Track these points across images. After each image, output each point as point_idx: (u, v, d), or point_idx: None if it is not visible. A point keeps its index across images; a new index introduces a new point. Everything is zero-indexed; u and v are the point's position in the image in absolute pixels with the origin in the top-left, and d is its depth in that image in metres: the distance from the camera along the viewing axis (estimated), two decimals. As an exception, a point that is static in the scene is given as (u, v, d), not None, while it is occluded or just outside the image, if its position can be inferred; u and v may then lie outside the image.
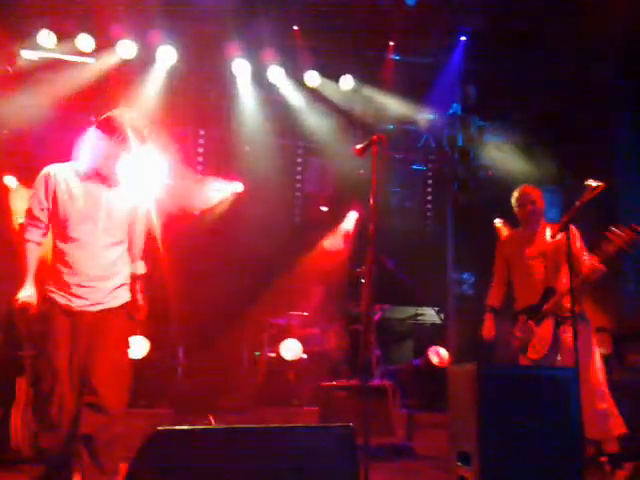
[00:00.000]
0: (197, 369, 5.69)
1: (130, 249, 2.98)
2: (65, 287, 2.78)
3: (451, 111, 6.68)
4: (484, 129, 6.60)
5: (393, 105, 6.43)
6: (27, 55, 5.66)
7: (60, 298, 2.78)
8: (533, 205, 3.86)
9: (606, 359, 4.77)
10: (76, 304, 2.78)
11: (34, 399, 3.44)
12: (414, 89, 6.45)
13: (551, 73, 5.96)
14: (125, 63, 5.84)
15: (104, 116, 2.87)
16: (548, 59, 5.89)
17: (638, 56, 5.59)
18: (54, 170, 2.84)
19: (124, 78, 5.90)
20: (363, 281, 3.11)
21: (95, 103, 6.12)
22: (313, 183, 7.01)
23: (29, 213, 2.83)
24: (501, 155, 6.48)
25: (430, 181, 7.37)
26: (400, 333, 7.06)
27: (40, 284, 2.83)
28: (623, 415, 3.41)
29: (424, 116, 6.71)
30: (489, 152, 6.62)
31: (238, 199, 6.59)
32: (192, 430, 2.12)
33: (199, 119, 6.59)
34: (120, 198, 2.91)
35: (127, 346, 2.92)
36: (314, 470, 2.16)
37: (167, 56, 5.82)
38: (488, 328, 3.93)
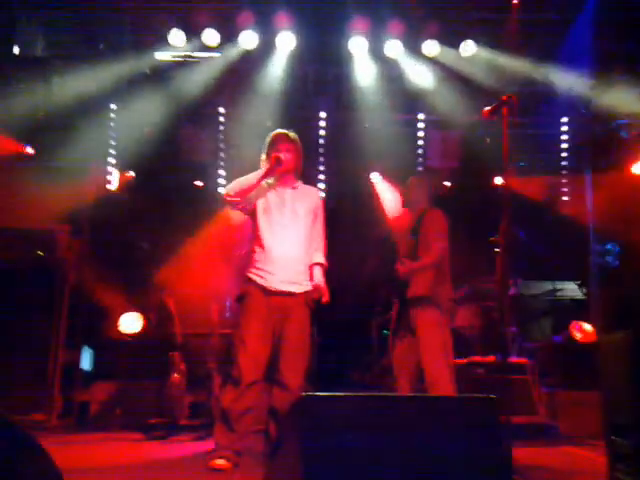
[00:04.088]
0: (329, 346, 5.83)
1: (311, 241, 3.45)
2: (260, 269, 3.32)
3: (584, 69, 6.14)
4: (623, 84, 5.98)
5: (518, 67, 6.04)
6: (160, 56, 6.03)
7: (257, 277, 3.31)
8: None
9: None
10: (269, 284, 3.28)
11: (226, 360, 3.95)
12: (541, 49, 6.02)
13: None
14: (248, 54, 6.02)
15: None
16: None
17: None
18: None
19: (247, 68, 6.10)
20: (497, 250, 2.96)
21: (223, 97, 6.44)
22: (436, 157, 6.82)
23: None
24: None
25: (564, 145, 6.86)
26: (535, 310, 6.71)
27: (240, 270, 3.45)
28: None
29: (555, 76, 6.23)
30: (630, 108, 6.00)
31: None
32: (337, 396, 2.19)
33: (318, 102, 6.67)
34: (301, 198, 3.48)
35: (308, 331, 3.36)
36: (457, 439, 2.11)
37: (287, 42, 5.89)
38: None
